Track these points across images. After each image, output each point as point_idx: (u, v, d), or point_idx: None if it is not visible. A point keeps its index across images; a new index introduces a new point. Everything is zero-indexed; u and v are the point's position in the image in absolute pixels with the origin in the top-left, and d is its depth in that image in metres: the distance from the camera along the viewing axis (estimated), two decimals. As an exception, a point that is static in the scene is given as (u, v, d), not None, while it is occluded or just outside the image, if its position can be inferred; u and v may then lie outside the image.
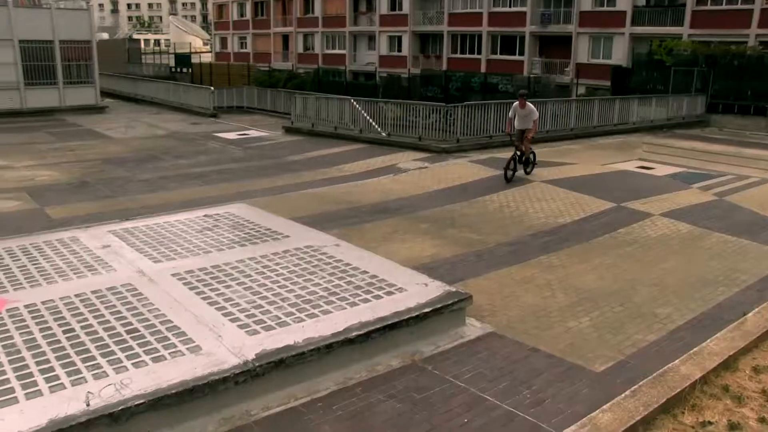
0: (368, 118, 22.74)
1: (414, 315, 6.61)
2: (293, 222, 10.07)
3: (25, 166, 16.98)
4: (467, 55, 47.53)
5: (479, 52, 46.56)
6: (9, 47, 29.38)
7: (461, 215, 12.02)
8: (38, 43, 30.13)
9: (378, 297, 6.95)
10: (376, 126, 22.36)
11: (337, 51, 58.26)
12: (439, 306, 6.84)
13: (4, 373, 5.36)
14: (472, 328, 7.18)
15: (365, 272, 7.68)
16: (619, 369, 6.34)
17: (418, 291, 7.14)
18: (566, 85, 37.27)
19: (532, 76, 37.25)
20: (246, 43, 70.17)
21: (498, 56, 45.53)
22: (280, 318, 6.41)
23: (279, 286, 7.22)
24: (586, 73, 38.62)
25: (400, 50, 52.61)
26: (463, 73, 36.70)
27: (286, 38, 64.49)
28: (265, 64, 55.48)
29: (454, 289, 7.30)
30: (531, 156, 15.41)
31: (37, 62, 30.37)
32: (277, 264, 7.94)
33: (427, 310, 6.74)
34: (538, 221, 11.70)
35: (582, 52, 40.83)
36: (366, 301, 6.84)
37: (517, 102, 14.90)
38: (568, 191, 13.81)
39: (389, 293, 7.07)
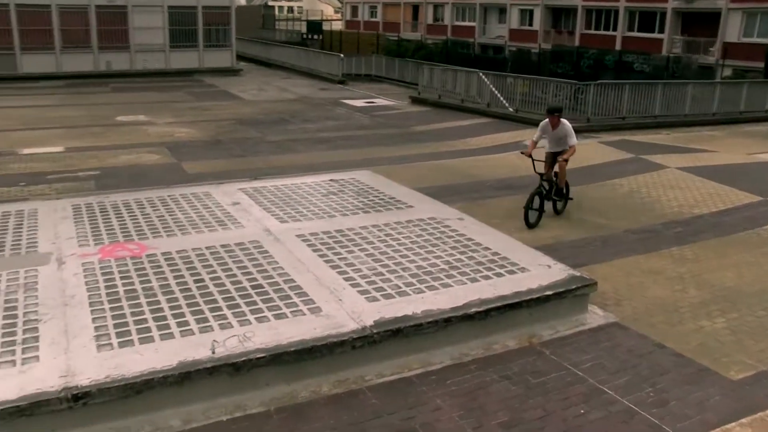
0: (496, 92, 22.28)
1: (535, 297, 6.42)
2: (417, 192, 10.03)
3: (166, 122, 17.96)
4: (601, 32, 45.36)
5: (614, 29, 44.29)
6: (159, 12, 31.11)
7: (588, 198, 11.54)
8: (184, 8, 31.67)
9: (499, 275, 6.80)
10: (504, 101, 21.87)
11: (466, 23, 57.35)
12: (561, 290, 6.59)
13: (142, 313, 5.71)
14: (595, 316, 6.88)
15: (487, 248, 7.53)
16: (761, 380, 5.82)
17: (541, 272, 6.92)
18: (710, 66, 34.83)
19: (671, 55, 35.07)
20: (376, 12, 70.48)
21: (635, 33, 43.11)
22: (399, 287, 6.40)
23: (400, 255, 7.21)
24: (736, 54, 35.79)
25: (531, 24, 51.01)
26: (597, 51, 35.06)
27: (416, 8, 64.17)
28: (394, 34, 55.56)
29: (578, 274, 7.01)
30: (564, 188, 10.64)
31: (182, 27, 31.96)
32: (399, 233, 7.94)
33: (549, 293, 6.51)
34: (670, 210, 11.03)
35: (732, 30, 37.85)
36: (487, 278, 6.71)
37: (546, 120, 10.17)
38: (705, 180, 12.92)
39: (511, 272, 6.90)
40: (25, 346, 5.23)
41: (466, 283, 6.55)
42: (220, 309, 5.84)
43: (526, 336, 6.32)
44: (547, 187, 10.24)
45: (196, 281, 6.38)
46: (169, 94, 24.70)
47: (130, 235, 7.58)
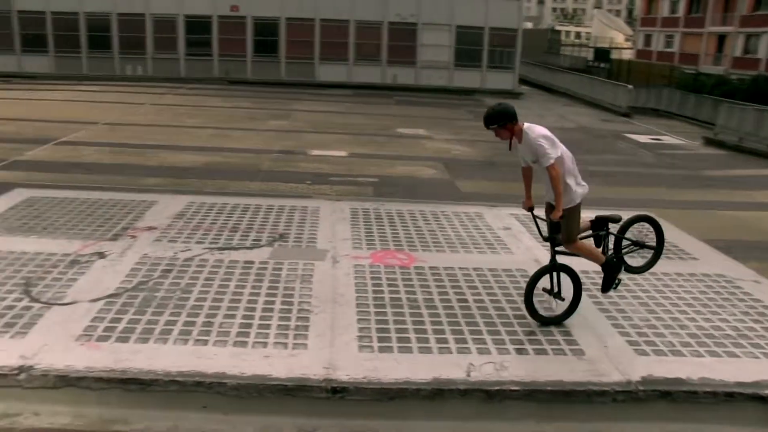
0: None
1: None
2: (704, 244, 9.24)
3: (444, 138, 18.77)
4: None
5: None
6: (447, 31, 32.73)
7: None
8: (471, 29, 32.90)
9: (803, 355, 5.97)
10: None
11: (785, 58, 51.65)
12: None
13: (404, 322, 6.02)
14: None
15: (788, 321, 6.67)
16: None
17: None
18: None
19: None
20: (673, 42, 66.55)
21: None
22: (673, 345, 5.94)
23: (678, 311, 6.69)
24: None
25: None
26: None
27: (721, 39, 59.40)
28: (691, 67, 52.01)
29: None
30: (604, 263, 6.33)
31: (467, 46, 33.22)
32: (679, 285, 7.38)
33: None
34: None
35: None
36: (787, 356, 5.93)
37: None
38: None
39: (818, 354, 6.02)
40: (296, 332, 5.79)
41: (759, 358, 5.86)
42: (479, 332, 5.92)
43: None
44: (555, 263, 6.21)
45: (459, 300, 6.55)
46: (449, 111, 25.79)
47: (401, 244, 8.04)
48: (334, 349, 5.54)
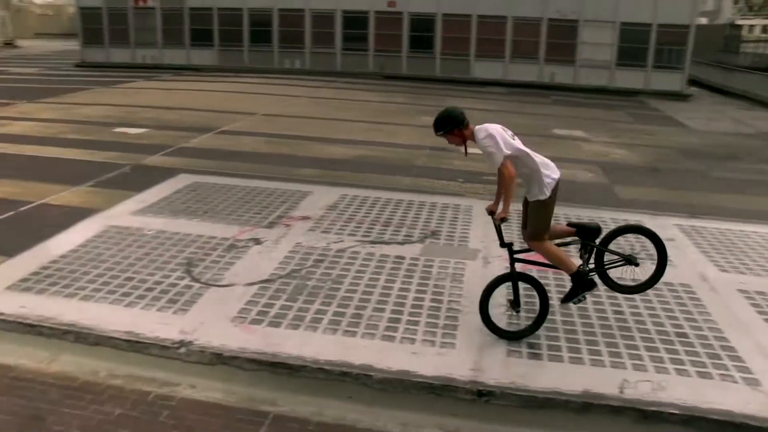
0: None
1: None
2: None
3: (603, 141, 18.11)
4: None
5: None
6: (610, 28, 31.49)
7: None
8: (637, 25, 31.42)
9: None
10: None
11: None
12: None
13: (556, 330, 5.89)
14: None
15: None
16: None
17: None
18: None
19: None
20: None
21: None
22: None
23: None
24: None
25: None
26: None
27: None
28: None
29: None
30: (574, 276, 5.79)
31: (631, 44, 31.76)
32: None
33: None
34: None
35: None
36: None
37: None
38: None
39: None
40: (444, 331, 5.83)
41: None
42: (636, 348, 5.67)
43: None
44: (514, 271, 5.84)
45: (615, 312, 6.31)
46: (609, 112, 24.84)
47: (553, 248, 7.84)
48: (482, 352, 5.53)
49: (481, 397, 5.08)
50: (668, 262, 5.84)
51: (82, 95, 23.97)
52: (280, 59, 33.33)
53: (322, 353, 5.42)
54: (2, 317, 5.97)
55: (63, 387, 5.45)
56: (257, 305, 6.22)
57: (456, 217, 8.94)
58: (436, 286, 6.73)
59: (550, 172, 5.55)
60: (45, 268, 7.00)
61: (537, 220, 5.58)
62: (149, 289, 6.51)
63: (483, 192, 11.22)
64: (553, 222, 5.70)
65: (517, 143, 5.57)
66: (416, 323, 5.95)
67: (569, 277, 5.74)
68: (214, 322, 5.88)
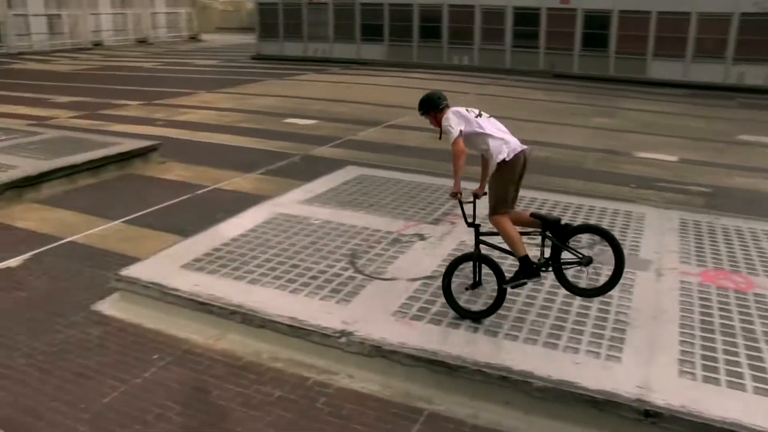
0: None
1: None
2: None
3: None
4: None
5: None
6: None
7: None
8: None
9: None
10: None
11: None
12: None
13: (736, 354, 5.47)
14: None
15: None
16: None
17: None
18: None
19: None
20: None
21: None
22: None
23: None
24: None
25: None
26: None
27: None
28: None
29: None
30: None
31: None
32: None
33: None
34: None
35: None
36: None
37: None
38: None
39: None
40: (611, 344, 5.58)
41: None
42: (832, 382, 5.13)
43: None
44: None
45: (808, 340, 5.75)
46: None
47: (737, 266, 7.28)
48: (650, 369, 5.24)
49: (648, 417, 4.81)
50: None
51: (256, 86, 25.42)
52: (449, 55, 33.47)
53: (481, 355, 5.38)
54: (177, 293, 6.46)
55: (228, 364, 5.81)
56: (419, 301, 6.28)
57: (627, 225, 8.53)
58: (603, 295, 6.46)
59: (508, 147, 5.72)
60: (217, 249, 7.48)
61: (494, 193, 5.78)
62: (313, 278, 6.76)
63: (656, 199, 10.67)
64: (522, 208, 6.04)
65: (482, 122, 5.78)
66: (581, 332, 5.75)
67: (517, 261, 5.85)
68: (375, 315, 6.00)
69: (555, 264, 5.76)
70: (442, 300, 6.19)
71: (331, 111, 19.36)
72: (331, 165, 12.07)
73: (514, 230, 5.83)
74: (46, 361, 5.84)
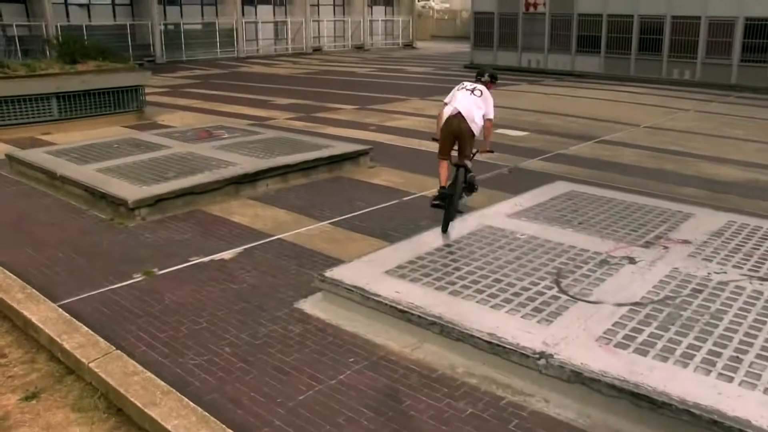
0: None
1: None
2: None
3: None
4: None
5: None
6: None
7: None
8: None
9: None
10: None
11: None
12: None
13: None
14: None
15: None
16: None
17: None
18: None
19: None
20: None
21: None
22: None
23: None
24: None
25: None
26: None
27: None
28: None
29: None
30: None
31: None
32: None
33: None
34: None
35: None
36: None
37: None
38: None
39: None
40: None
41: None
42: None
43: None
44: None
45: None
46: None
47: None
48: None
49: None
50: None
51: (469, 96, 25.41)
52: (668, 69, 31.42)
53: (690, 393, 4.94)
54: (378, 299, 6.57)
55: (422, 375, 5.80)
56: (624, 328, 5.92)
57: None
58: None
59: (446, 112, 8.39)
60: (420, 258, 7.55)
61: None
62: (516, 294, 6.62)
63: None
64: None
65: (454, 93, 8.55)
66: (812, 382, 5.10)
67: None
68: (577, 339, 5.75)
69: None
70: (650, 329, 5.80)
71: (542, 123, 18.97)
72: (540, 179, 11.82)
73: (442, 171, 8.61)
74: (249, 353, 6.16)
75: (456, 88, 8.58)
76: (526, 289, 6.72)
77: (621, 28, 32.57)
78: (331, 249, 8.81)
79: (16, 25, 34.15)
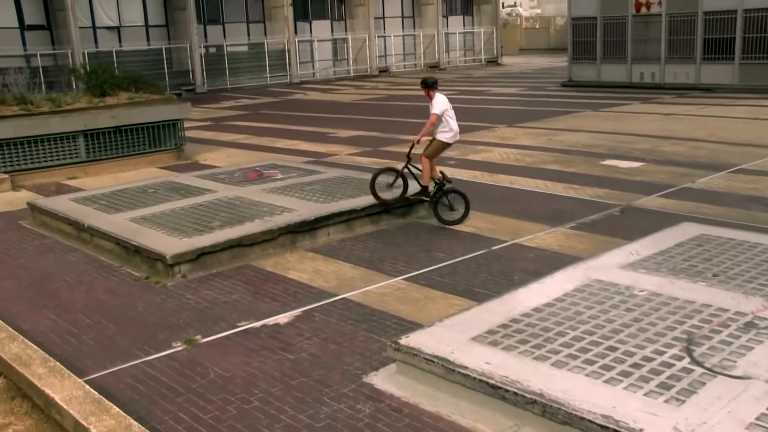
0: None
1: None
2: None
3: None
4: None
5: None
6: None
7: None
8: None
9: None
10: None
11: None
12: None
13: None
14: None
15: None
16: None
17: None
18: None
19: None
20: None
21: None
22: None
23: None
24: None
25: None
26: None
27: None
28: None
29: None
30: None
31: None
32: None
33: None
34: None
35: None
36: None
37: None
38: None
39: None
40: None
41: None
42: None
43: None
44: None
45: None
46: None
47: None
48: None
49: None
50: None
51: (566, 119, 25.47)
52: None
53: None
54: (465, 372, 6.43)
55: (523, 467, 5.67)
56: (782, 412, 5.65)
57: None
58: None
59: (452, 133, 12.30)
60: (515, 321, 7.42)
61: (432, 148, 12.43)
62: (636, 366, 6.42)
63: None
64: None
65: (450, 113, 12.25)
66: None
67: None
68: (721, 425, 5.49)
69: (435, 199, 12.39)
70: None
71: (661, 151, 18.66)
72: (660, 220, 11.58)
73: (431, 170, 12.33)
74: (309, 438, 6.13)
75: (448, 104, 12.23)
76: (649, 360, 6.51)
77: (763, 26, 31.55)
78: (406, 311, 8.80)
79: (41, 55, 36.06)
